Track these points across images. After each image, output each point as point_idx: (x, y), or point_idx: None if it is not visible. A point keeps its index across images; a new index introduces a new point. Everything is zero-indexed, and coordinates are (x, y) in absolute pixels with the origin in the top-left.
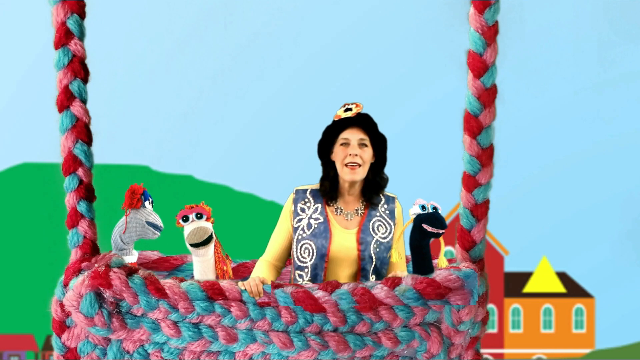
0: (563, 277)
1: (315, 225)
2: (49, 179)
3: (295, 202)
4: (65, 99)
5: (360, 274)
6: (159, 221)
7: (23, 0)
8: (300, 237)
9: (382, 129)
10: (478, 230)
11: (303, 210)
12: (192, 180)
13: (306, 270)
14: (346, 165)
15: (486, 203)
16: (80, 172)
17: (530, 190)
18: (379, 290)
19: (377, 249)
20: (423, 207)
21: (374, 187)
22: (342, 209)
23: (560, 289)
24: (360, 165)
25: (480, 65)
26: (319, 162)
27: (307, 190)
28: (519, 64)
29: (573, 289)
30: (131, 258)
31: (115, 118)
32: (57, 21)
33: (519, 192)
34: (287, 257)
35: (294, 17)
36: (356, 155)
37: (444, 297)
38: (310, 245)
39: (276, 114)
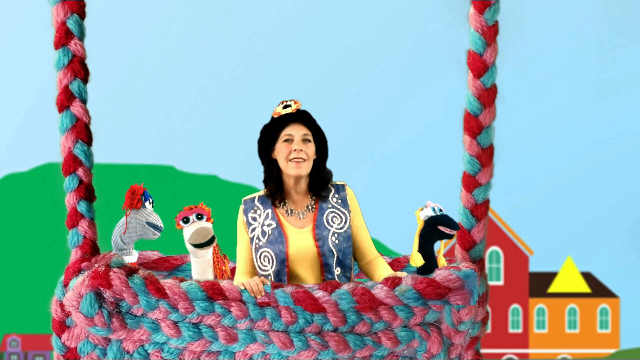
0: (588, 277)
1: (270, 232)
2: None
3: (246, 212)
4: (65, 99)
5: (323, 269)
6: (159, 222)
7: (23, 0)
8: (257, 246)
9: (381, 128)
10: (478, 230)
11: (254, 219)
12: (216, 180)
13: (269, 277)
14: (290, 160)
15: (486, 203)
16: (80, 172)
17: (555, 190)
18: (379, 290)
19: (336, 241)
20: (434, 210)
21: (319, 182)
22: (292, 210)
23: (585, 289)
24: (304, 160)
25: (480, 65)
26: (343, 161)
27: (254, 198)
28: (519, 64)
29: (598, 289)
30: (131, 258)
31: (139, 117)
32: (57, 21)
33: (543, 192)
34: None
35: (300, 19)
36: (301, 150)
37: (444, 297)
38: (269, 252)
39: (435, 111)
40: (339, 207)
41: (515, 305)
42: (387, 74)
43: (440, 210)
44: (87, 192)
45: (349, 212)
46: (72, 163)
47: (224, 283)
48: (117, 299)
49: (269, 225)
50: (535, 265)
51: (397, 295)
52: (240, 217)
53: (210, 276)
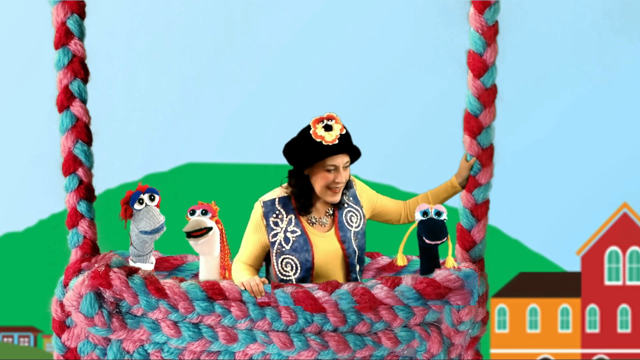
0: None
1: (294, 239)
2: (213, 179)
3: (266, 215)
4: (65, 99)
5: (348, 269)
6: (153, 224)
7: (23, 1)
8: (279, 251)
9: (381, 129)
10: (478, 230)
11: (276, 224)
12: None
13: (290, 283)
14: (329, 188)
15: (486, 203)
16: (80, 172)
17: None
18: (379, 290)
19: (356, 240)
20: (424, 213)
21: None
22: (315, 218)
23: None
24: (341, 188)
25: (480, 65)
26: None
27: (274, 200)
28: (519, 64)
29: None
30: (147, 266)
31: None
32: (57, 21)
33: None
34: (262, 262)
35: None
36: (341, 181)
37: (444, 297)
38: (293, 260)
39: (435, 112)
40: (352, 204)
41: None
42: (387, 73)
43: (439, 212)
44: (87, 192)
45: (361, 207)
46: (72, 163)
47: (224, 283)
48: (117, 299)
49: (292, 232)
50: None
51: (397, 295)
52: (258, 219)
53: (216, 276)
